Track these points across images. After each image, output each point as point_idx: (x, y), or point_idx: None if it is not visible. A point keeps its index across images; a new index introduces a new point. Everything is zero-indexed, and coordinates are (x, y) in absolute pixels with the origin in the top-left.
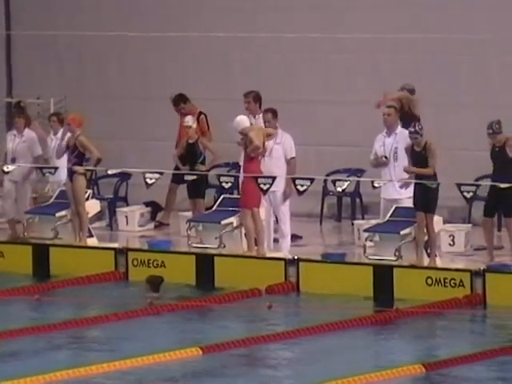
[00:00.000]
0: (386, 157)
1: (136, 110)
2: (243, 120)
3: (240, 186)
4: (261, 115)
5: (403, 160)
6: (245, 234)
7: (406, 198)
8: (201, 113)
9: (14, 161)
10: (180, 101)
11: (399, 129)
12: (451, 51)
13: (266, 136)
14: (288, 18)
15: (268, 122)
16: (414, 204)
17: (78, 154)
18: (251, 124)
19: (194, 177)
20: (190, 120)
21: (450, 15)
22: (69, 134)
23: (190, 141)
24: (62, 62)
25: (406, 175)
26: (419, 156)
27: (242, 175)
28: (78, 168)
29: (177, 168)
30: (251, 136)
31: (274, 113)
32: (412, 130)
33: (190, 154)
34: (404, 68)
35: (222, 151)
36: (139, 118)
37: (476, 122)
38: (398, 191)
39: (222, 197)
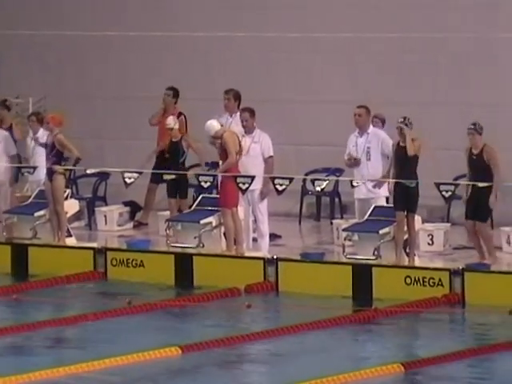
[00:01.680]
0: (355, 158)
1: (115, 109)
2: (214, 124)
3: (219, 186)
4: (238, 114)
5: (376, 159)
6: (224, 234)
7: (380, 197)
8: (180, 113)
9: None
10: (176, 95)
11: (371, 128)
12: (430, 50)
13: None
14: (267, 18)
15: (245, 121)
16: (394, 203)
17: (56, 153)
18: (222, 125)
19: (173, 176)
20: (171, 122)
21: (428, 14)
22: (46, 132)
23: (174, 139)
24: (41, 62)
25: (379, 174)
26: (403, 151)
27: (220, 174)
28: (57, 167)
29: (156, 167)
30: (229, 146)
31: (252, 112)
32: (401, 119)
33: (173, 153)
34: (382, 67)
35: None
36: (118, 118)
37: (455, 121)
38: (370, 191)
39: (200, 196)
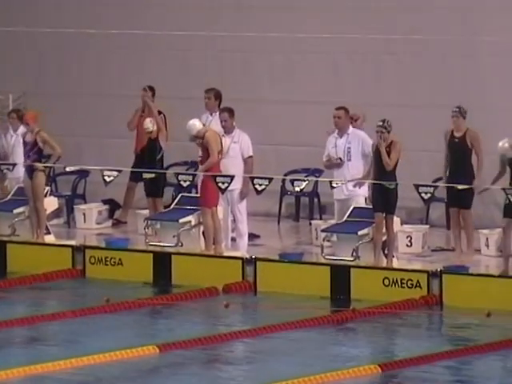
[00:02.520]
0: (340, 158)
1: (95, 107)
2: (195, 124)
3: (199, 185)
4: (218, 113)
5: (356, 160)
6: (203, 233)
7: (358, 195)
8: (160, 112)
9: None
10: (152, 91)
11: (351, 129)
12: (410, 52)
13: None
14: (248, 18)
15: (225, 121)
16: (373, 205)
17: (37, 151)
18: (204, 125)
19: (153, 175)
20: (149, 125)
21: (410, 16)
22: (24, 130)
23: (152, 137)
24: (21, 59)
25: (360, 175)
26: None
27: (200, 173)
28: (38, 165)
29: (135, 166)
30: (212, 145)
31: (231, 112)
32: (380, 123)
33: (150, 151)
34: (363, 68)
35: (181, 150)
36: (98, 116)
37: (434, 123)
38: (350, 190)
39: (180, 195)
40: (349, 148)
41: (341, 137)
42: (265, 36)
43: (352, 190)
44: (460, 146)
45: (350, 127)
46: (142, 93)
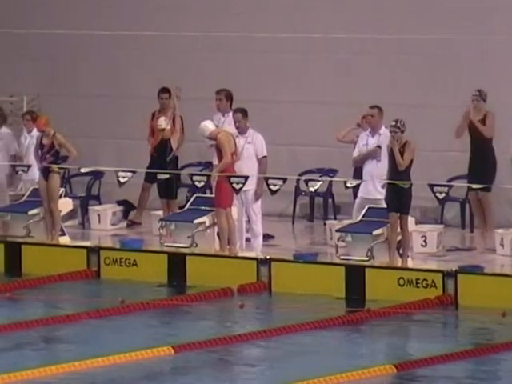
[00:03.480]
0: (379, 146)
1: (109, 108)
2: (208, 125)
3: (213, 186)
4: (230, 114)
5: (385, 160)
6: (217, 234)
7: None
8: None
9: None
10: (168, 92)
11: (383, 129)
12: (423, 52)
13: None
14: (261, 18)
15: (238, 121)
16: (388, 205)
17: (54, 153)
18: (216, 126)
19: (167, 176)
20: (163, 123)
21: (419, 15)
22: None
23: (165, 137)
24: (34, 60)
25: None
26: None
27: (215, 174)
28: (53, 166)
29: (150, 167)
30: (224, 146)
31: (244, 112)
32: (393, 123)
33: (161, 151)
34: (375, 68)
35: (195, 150)
36: (112, 117)
37: (448, 123)
38: (378, 191)
39: (194, 196)
40: (380, 147)
41: (373, 136)
42: (277, 36)
43: (379, 190)
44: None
45: (383, 127)
46: (165, 95)
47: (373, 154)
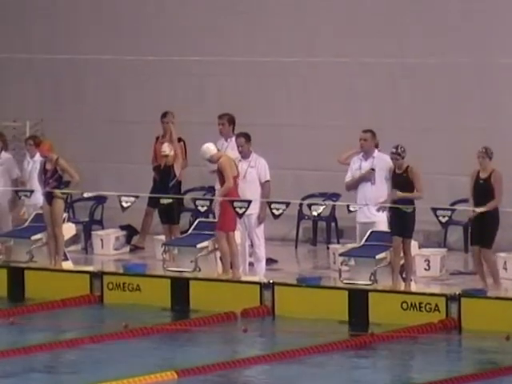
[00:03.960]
0: (373, 169)
1: (112, 133)
2: (210, 148)
3: (216, 210)
4: (233, 138)
5: (380, 183)
6: (220, 258)
7: (382, 220)
8: (180, 139)
9: None
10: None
11: (376, 153)
12: (426, 75)
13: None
14: (264, 41)
15: (241, 146)
16: (391, 228)
17: (57, 178)
18: (218, 150)
19: (170, 200)
20: (166, 149)
21: (426, 39)
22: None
23: (168, 163)
24: (38, 85)
25: (383, 198)
26: (400, 178)
27: (217, 198)
28: (57, 191)
29: (153, 191)
30: (226, 170)
31: (247, 137)
32: (394, 150)
33: (163, 177)
34: (379, 92)
35: (198, 175)
36: (115, 142)
37: (451, 147)
38: (373, 214)
39: (197, 220)
40: (373, 170)
41: (366, 160)
42: (280, 60)
43: (375, 214)
44: (484, 187)
45: (376, 151)
46: (166, 119)
47: (367, 177)
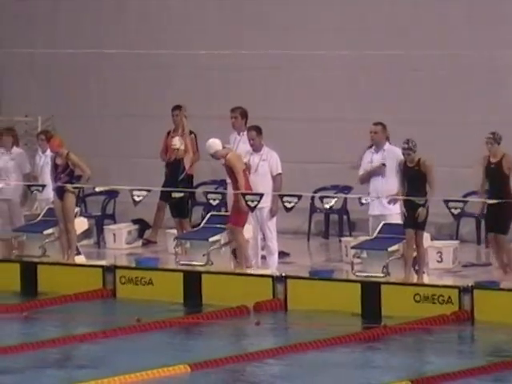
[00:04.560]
0: (384, 164)
1: (123, 127)
2: (215, 143)
3: (230, 204)
4: (246, 132)
5: (391, 176)
6: (232, 251)
7: (394, 213)
8: (191, 132)
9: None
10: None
11: (387, 145)
12: (435, 68)
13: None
14: (271, 35)
15: (252, 139)
16: (404, 221)
17: (69, 172)
18: (224, 147)
19: (181, 194)
20: (177, 143)
21: (431, 31)
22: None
23: (177, 156)
24: (48, 80)
25: (394, 191)
26: (412, 172)
27: (230, 192)
28: (68, 186)
29: (165, 185)
30: (236, 166)
31: (259, 130)
32: (405, 146)
33: (173, 170)
34: (388, 85)
35: (210, 169)
36: (126, 136)
37: (463, 139)
38: (385, 207)
39: (209, 214)
40: (384, 165)
41: (377, 152)
42: (290, 53)
43: (387, 206)
44: (496, 171)
45: (387, 143)
46: (176, 112)
47: (377, 171)
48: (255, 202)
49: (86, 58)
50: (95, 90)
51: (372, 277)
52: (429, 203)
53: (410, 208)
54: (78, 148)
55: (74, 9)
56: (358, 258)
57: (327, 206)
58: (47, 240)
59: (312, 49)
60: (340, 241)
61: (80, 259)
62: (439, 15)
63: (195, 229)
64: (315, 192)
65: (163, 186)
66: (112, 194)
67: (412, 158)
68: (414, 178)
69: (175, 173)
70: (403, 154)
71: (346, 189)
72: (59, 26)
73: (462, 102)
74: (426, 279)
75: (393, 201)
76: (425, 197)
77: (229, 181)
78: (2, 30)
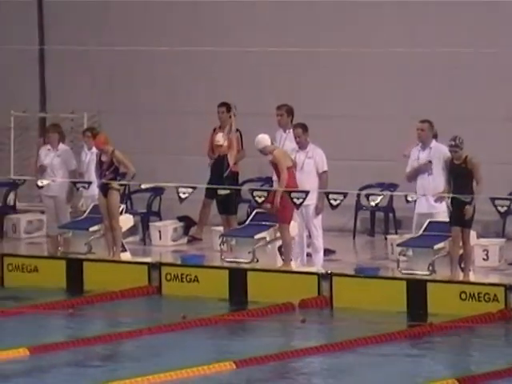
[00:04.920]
0: (430, 161)
1: (169, 124)
2: (264, 139)
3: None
4: (291, 130)
5: (438, 174)
6: (278, 248)
7: (441, 211)
8: (236, 130)
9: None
10: (229, 110)
11: (434, 143)
12: (480, 65)
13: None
14: (318, 33)
15: (298, 136)
16: (450, 219)
17: (113, 170)
18: (272, 143)
19: (227, 191)
20: (220, 139)
21: (480, 29)
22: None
23: (221, 153)
24: (94, 77)
25: (440, 189)
26: (459, 169)
27: (276, 189)
28: (113, 183)
29: (210, 183)
30: (280, 162)
31: (304, 127)
32: (452, 143)
33: (217, 167)
34: (433, 82)
35: (255, 166)
36: (172, 133)
37: (508, 135)
38: (432, 205)
39: (254, 211)
40: (430, 162)
41: (423, 150)
42: (337, 51)
43: (434, 205)
44: None
45: (433, 141)
46: (222, 109)
47: (423, 169)
48: (301, 200)
49: (132, 55)
50: (141, 87)
51: (418, 274)
52: (475, 201)
53: (457, 206)
54: (124, 145)
55: (123, 7)
56: (404, 255)
57: (373, 204)
58: (93, 237)
59: (361, 46)
60: (386, 238)
61: (126, 256)
62: (486, 13)
63: (241, 226)
64: (361, 189)
65: (208, 183)
66: (158, 191)
67: (459, 156)
68: (461, 176)
69: (219, 169)
70: (450, 152)
71: (392, 186)
72: (108, 24)
73: (510, 97)
74: (471, 277)
75: (439, 199)
76: (471, 194)
77: (275, 178)
78: (51, 27)
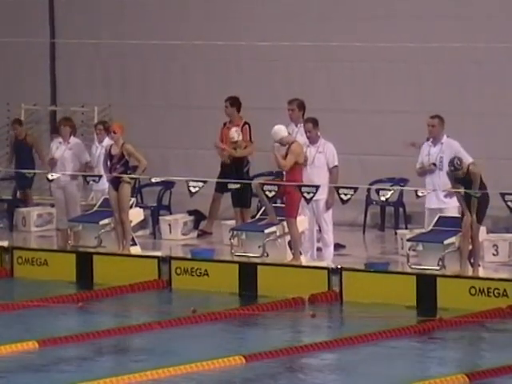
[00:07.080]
0: (434, 164)
1: (179, 118)
2: (280, 130)
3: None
4: (302, 125)
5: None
6: (288, 243)
7: (451, 207)
8: (245, 122)
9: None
10: (236, 103)
11: (445, 138)
12: (493, 60)
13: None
14: (330, 28)
15: (309, 131)
16: (461, 214)
17: (124, 163)
18: (289, 133)
19: (238, 186)
20: (235, 135)
21: (494, 24)
22: (109, 142)
23: (237, 149)
24: (105, 71)
25: (451, 184)
26: (464, 181)
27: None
28: (124, 176)
29: (221, 177)
30: (292, 154)
31: (315, 122)
32: (452, 168)
33: (237, 163)
34: (445, 77)
35: (266, 160)
36: (183, 127)
37: None
38: (442, 200)
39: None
40: (441, 157)
41: (434, 145)
42: (347, 45)
43: (444, 200)
44: None
45: (445, 136)
46: (227, 103)
47: (428, 171)
48: (311, 194)
49: (146, 49)
50: (152, 81)
51: (427, 269)
52: (484, 195)
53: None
54: (135, 138)
55: (135, 0)
56: (414, 250)
57: (383, 199)
58: (103, 230)
59: (372, 41)
60: (396, 233)
61: (135, 250)
62: (503, 7)
63: (251, 220)
64: (371, 184)
65: (219, 177)
66: (168, 185)
67: (462, 173)
68: (467, 184)
69: (239, 165)
70: (451, 172)
71: (402, 181)
72: (122, 18)
73: None
74: (481, 272)
75: (449, 194)
76: (484, 189)
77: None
78: (62, 20)
